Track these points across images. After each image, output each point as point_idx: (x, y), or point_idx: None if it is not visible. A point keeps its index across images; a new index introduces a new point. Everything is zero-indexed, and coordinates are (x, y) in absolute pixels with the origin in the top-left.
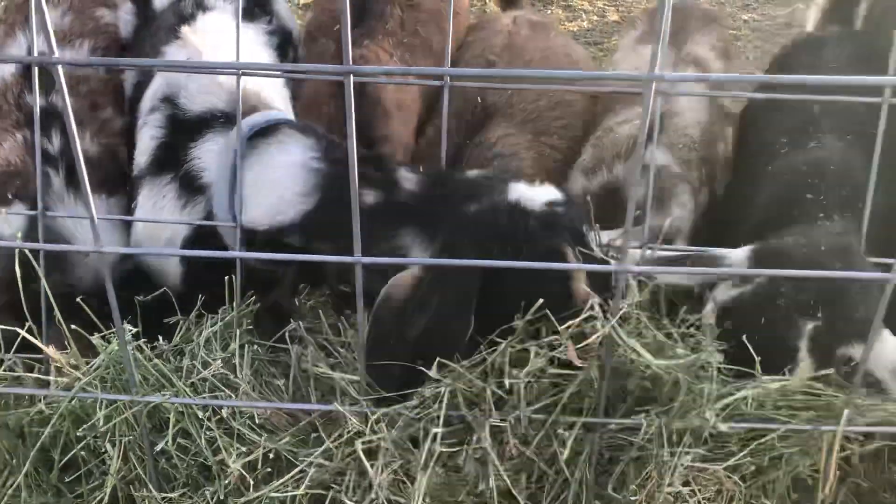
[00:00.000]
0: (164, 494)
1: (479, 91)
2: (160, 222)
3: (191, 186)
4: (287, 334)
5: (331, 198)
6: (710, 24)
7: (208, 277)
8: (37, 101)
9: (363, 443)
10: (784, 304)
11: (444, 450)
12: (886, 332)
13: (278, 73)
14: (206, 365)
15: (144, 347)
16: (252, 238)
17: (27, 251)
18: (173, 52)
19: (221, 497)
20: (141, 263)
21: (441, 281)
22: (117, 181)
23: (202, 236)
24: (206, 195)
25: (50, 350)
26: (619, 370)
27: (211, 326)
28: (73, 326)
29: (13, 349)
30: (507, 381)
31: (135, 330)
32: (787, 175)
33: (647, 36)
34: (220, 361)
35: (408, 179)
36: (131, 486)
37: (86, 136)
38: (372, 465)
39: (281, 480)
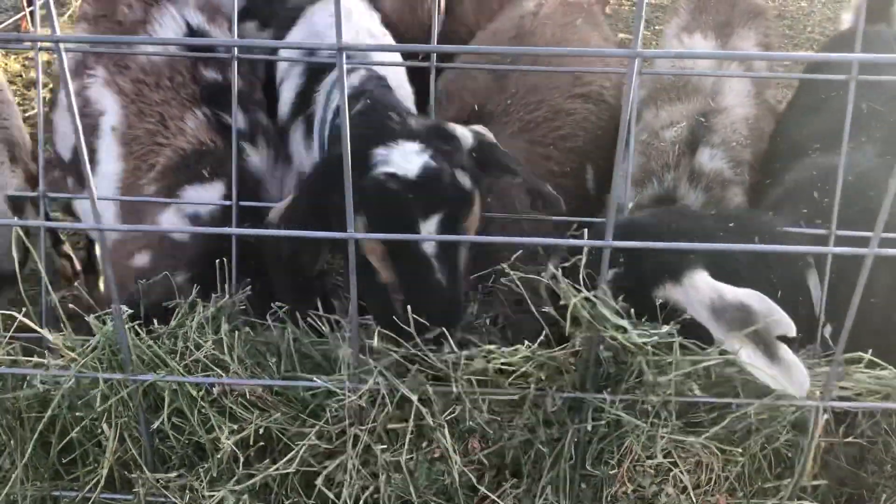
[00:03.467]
0: (159, 475)
1: (477, 97)
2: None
3: (310, 129)
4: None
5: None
6: (756, 18)
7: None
8: (39, 82)
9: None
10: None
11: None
12: (700, 272)
13: (273, 48)
14: (198, 346)
15: (139, 330)
16: None
17: None
18: (320, 7)
19: (215, 475)
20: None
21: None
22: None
23: None
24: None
25: (46, 332)
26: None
27: (203, 311)
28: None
29: (10, 330)
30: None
31: (130, 311)
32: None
33: (693, 24)
34: (211, 342)
35: None
36: (127, 468)
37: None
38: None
39: (275, 467)
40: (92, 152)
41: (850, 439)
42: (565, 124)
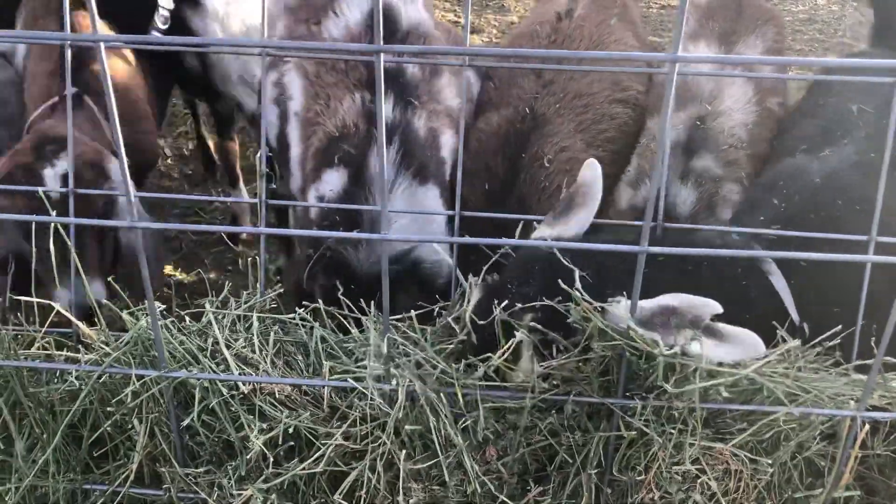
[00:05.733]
0: (188, 470)
1: (526, 101)
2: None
3: None
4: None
5: None
6: (765, 24)
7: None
8: (69, 78)
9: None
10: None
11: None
12: (622, 299)
13: (303, 50)
14: (229, 345)
15: (171, 326)
16: None
17: None
18: None
19: (243, 473)
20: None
21: None
22: None
23: None
24: None
25: (81, 325)
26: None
27: (236, 309)
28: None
29: (45, 325)
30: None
31: (163, 307)
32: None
33: (699, 32)
34: (242, 341)
35: None
36: (156, 463)
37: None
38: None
39: (302, 466)
40: (286, 137)
41: (881, 450)
42: (610, 128)
